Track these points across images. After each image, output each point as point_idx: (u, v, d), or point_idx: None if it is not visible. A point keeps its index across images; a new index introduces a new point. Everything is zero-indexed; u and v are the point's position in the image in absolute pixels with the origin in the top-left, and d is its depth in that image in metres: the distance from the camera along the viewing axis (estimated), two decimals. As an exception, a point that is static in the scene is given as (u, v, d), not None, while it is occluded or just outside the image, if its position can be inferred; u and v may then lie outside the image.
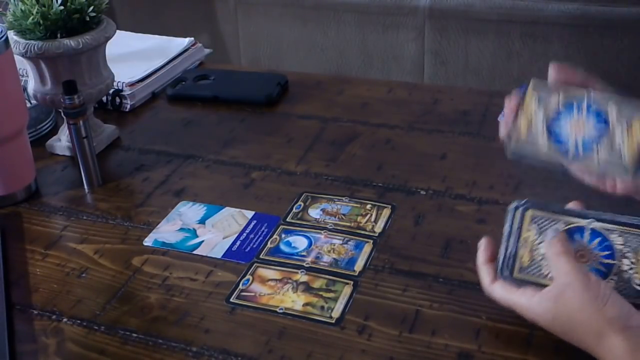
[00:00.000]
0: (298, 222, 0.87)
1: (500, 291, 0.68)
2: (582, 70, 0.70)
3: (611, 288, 0.62)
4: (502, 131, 0.72)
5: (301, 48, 2.07)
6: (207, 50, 1.35)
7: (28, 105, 1.04)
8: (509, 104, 0.72)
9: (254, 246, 0.84)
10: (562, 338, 0.64)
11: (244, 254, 0.83)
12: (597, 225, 0.67)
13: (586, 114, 0.67)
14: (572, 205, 0.71)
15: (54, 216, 0.92)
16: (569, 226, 0.67)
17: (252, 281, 0.78)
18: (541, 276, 0.67)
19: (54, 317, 0.76)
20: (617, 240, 0.66)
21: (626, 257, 0.65)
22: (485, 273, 0.69)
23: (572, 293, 0.62)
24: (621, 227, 0.66)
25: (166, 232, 0.87)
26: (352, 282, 0.77)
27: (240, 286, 0.78)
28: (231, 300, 0.76)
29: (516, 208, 0.70)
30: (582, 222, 0.67)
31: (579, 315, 0.61)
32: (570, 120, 0.68)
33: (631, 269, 0.65)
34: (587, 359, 0.66)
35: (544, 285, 0.65)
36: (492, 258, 0.69)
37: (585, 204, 0.72)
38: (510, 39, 1.82)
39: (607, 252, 0.66)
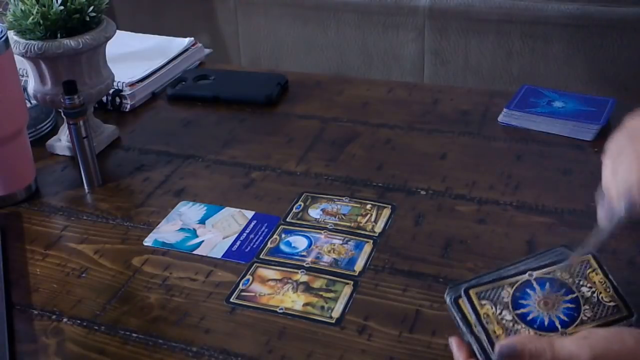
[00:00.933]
0: (298, 222, 0.87)
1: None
2: None
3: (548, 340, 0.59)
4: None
5: (301, 48, 2.07)
6: (207, 50, 1.35)
7: (28, 105, 1.04)
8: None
9: (254, 246, 0.84)
10: None
11: (244, 254, 0.83)
12: (538, 273, 0.66)
13: (542, 292, 0.65)
14: None
15: (54, 216, 0.92)
16: (516, 286, 0.65)
17: (252, 281, 0.78)
18: None
19: (54, 317, 0.76)
20: (564, 276, 0.66)
21: (582, 286, 0.66)
22: None
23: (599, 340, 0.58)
24: (558, 266, 0.66)
25: (166, 232, 0.87)
26: (352, 282, 0.77)
27: (240, 286, 0.78)
28: (231, 300, 0.76)
29: (455, 298, 0.66)
30: (524, 277, 0.66)
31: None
32: (535, 302, 0.65)
33: (593, 292, 0.65)
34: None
35: None
36: (470, 354, 0.64)
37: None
38: (510, 39, 1.82)
39: (563, 290, 0.65)
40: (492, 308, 0.65)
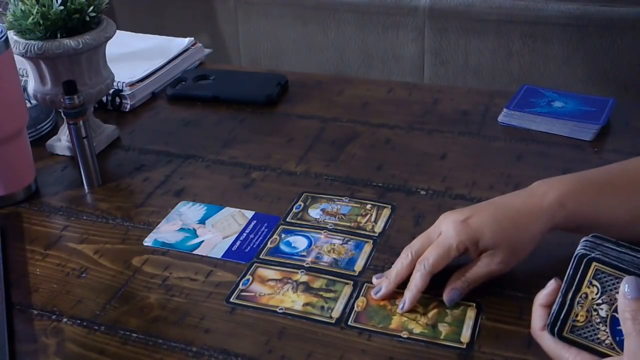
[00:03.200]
0: (298, 222, 0.87)
1: (549, 342, 0.61)
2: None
3: None
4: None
5: (301, 48, 2.07)
6: (207, 50, 1.35)
7: (28, 105, 1.04)
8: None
9: (254, 246, 0.84)
10: None
11: (244, 254, 0.83)
12: None
13: None
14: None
15: (54, 216, 0.92)
16: (627, 278, 0.56)
17: (252, 281, 0.78)
18: (595, 341, 0.58)
19: (54, 317, 0.76)
20: None
21: None
22: (538, 316, 0.62)
23: None
24: None
25: (166, 232, 0.87)
26: (352, 282, 0.77)
27: (240, 286, 0.78)
28: (231, 300, 0.76)
29: (582, 256, 0.58)
30: None
31: None
32: None
33: None
34: None
35: (598, 352, 0.58)
36: (548, 303, 0.61)
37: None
38: (510, 39, 1.82)
39: None
40: (596, 293, 0.57)
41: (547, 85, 1.19)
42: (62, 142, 1.05)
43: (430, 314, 0.72)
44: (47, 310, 0.77)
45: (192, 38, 1.32)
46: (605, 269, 0.57)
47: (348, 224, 0.86)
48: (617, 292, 0.56)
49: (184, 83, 1.22)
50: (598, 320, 0.58)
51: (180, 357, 0.70)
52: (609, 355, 0.57)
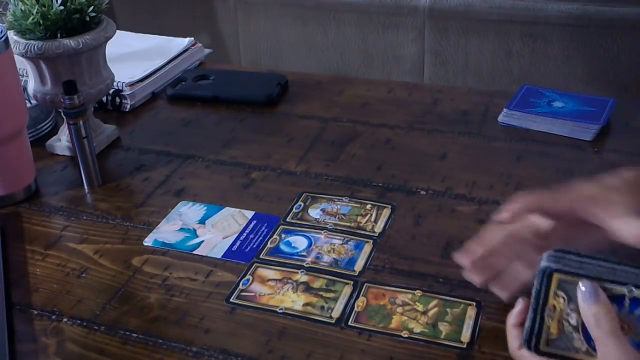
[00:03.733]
0: (298, 222, 0.87)
1: (530, 358, 0.60)
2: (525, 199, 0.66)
3: None
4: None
5: (301, 48, 2.07)
6: (207, 50, 1.35)
7: (28, 105, 1.04)
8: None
9: (254, 246, 0.84)
10: None
11: (244, 254, 0.83)
12: (638, 293, 0.56)
13: (630, 314, 0.56)
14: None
15: (54, 216, 0.92)
16: (606, 292, 0.57)
17: (252, 281, 0.78)
18: (573, 350, 0.58)
19: (54, 317, 0.76)
20: None
21: None
22: (513, 337, 0.62)
23: None
24: None
25: (166, 232, 0.87)
26: (352, 282, 0.77)
27: (240, 286, 0.78)
28: (231, 300, 0.76)
29: (544, 269, 0.58)
30: (621, 290, 0.56)
31: None
32: None
33: None
34: None
35: None
36: (520, 323, 0.61)
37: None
38: (510, 39, 1.82)
39: None
40: (563, 303, 0.58)
41: (547, 85, 1.19)
42: (62, 142, 1.05)
43: (430, 313, 0.72)
44: (47, 310, 0.77)
45: (192, 38, 1.32)
46: (567, 279, 0.58)
47: (348, 224, 0.86)
48: None
49: (184, 83, 1.22)
50: (570, 329, 0.58)
51: (180, 357, 0.70)
52: None
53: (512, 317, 0.62)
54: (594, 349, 0.57)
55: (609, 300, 0.56)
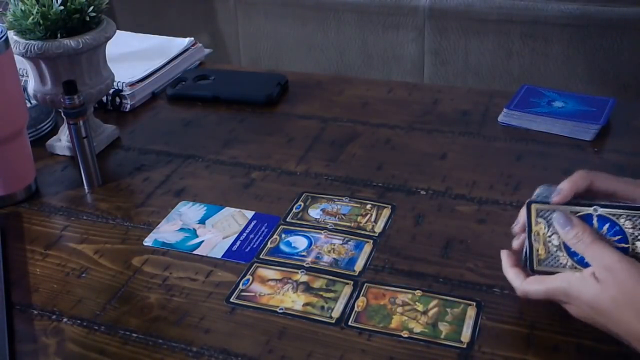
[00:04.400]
0: (298, 222, 0.87)
1: (535, 284, 0.67)
2: (582, 172, 0.69)
3: None
4: (515, 248, 0.72)
5: (301, 48, 2.07)
6: (207, 50, 1.35)
7: (28, 105, 1.04)
8: (518, 226, 0.72)
9: (254, 246, 0.84)
10: (596, 322, 0.63)
11: (244, 254, 0.83)
12: (603, 211, 0.66)
13: (598, 230, 0.66)
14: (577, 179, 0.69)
15: (54, 216, 0.92)
16: (576, 215, 0.67)
17: (252, 281, 0.78)
18: (560, 266, 0.67)
19: (54, 317, 0.76)
20: (626, 224, 0.65)
21: (639, 240, 0.65)
22: (514, 275, 0.69)
23: (616, 273, 0.61)
24: (627, 211, 0.66)
25: (166, 232, 0.87)
26: (352, 282, 0.77)
27: (240, 286, 0.78)
28: (231, 300, 0.76)
29: (527, 204, 0.69)
30: (588, 210, 0.67)
31: (624, 295, 0.60)
32: None
33: None
34: (587, 359, 0.66)
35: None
36: (516, 263, 0.70)
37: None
38: (510, 39, 1.82)
39: (618, 237, 0.65)
40: (544, 228, 0.68)
41: (547, 85, 1.19)
42: (62, 142, 1.05)
43: (430, 313, 0.72)
44: (47, 310, 0.77)
45: (192, 38, 1.32)
46: (543, 207, 0.68)
47: (348, 224, 0.86)
48: None
49: (184, 83, 1.22)
50: (555, 249, 0.67)
51: (180, 357, 0.70)
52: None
53: (505, 262, 0.71)
54: (578, 263, 0.66)
55: (580, 219, 0.66)
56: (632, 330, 0.61)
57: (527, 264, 0.68)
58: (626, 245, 0.65)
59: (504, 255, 0.72)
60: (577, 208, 0.67)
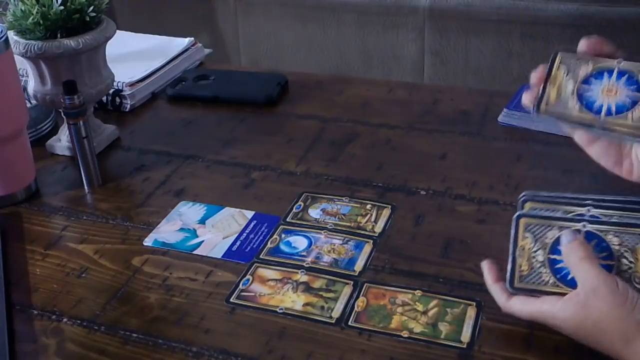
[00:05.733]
0: (298, 222, 0.87)
1: (519, 305, 0.67)
2: (611, 42, 0.70)
3: (636, 291, 0.61)
4: (527, 98, 0.71)
5: (301, 48, 2.07)
6: (207, 50, 1.35)
7: (28, 105, 1.04)
8: (536, 74, 0.72)
9: (254, 246, 0.84)
10: (585, 343, 0.63)
11: (244, 254, 0.83)
12: (591, 227, 0.66)
13: (617, 81, 0.67)
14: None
15: (54, 216, 0.92)
16: (563, 231, 0.67)
17: (252, 281, 0.78)
18: (542, 284, 0.67)
19: (54, 317, 0.76)
20: (613, 240, 0.66)
21: (624, 257, 0.65)
22: (497, 293, 0.69)
23: (599, 298, 0.61)
24: (616, 228, 0.66)
25: (166, 232, 0.87)
26: (352, 282, 0.77)
27: (240, 286, 0.78)
28: (231, 300, 0.76)
29: (516, 218, 0.69)
30: (576, 226, 0.67)
31: (607, 321, 0.61)
32: (601, 87, 0.67)
33: (630, 268, 0.65)
34: (587, 359, 0.66)
35: (547, 293, 0.66)
36: (499, 277, 0.69)
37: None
38: (510, 39, 1.82)
39: (605, 253, 0.65)
40: (531, 243, 0.67)
41: (547, 85, 1.18)
42: (62, 142, 1.05)
43: (430, 313, 0.72)
44: (47, 310, 0.77)
45: (192, 38, 1.32)
46: (531, 221, 0.68)
47: (348, 224, 0.86)
48: (547, 238, 0.67)
49: (184, 83, 1.22)
50: (538, 265, 0.67)
51: (180, 357, 0.70)
52: (556, 294, 0.65)
53: (488, 278, 0.70)
54: (561, 281, 0.65)
55: (584, 237, 0.65)
56: (617, 354, 0.61)
57: (508, 281, 0.67)
58: (611, 262, 0.65)
59: (486, 269, 0.71)
60: (567, 223, 0.67)
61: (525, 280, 0.67)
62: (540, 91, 0.68)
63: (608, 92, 0.66)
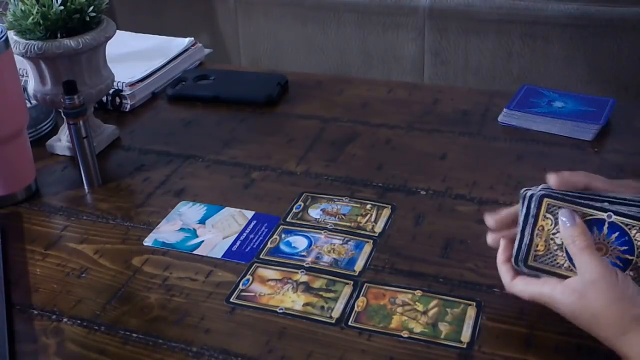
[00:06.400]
0: (298, 222, 0.87)
1: (521, 286, 0.68)
2: (582, 173, 0.69)
3: (636, 285, 0.62)
4: (501, 246, 0.71)
5: (301, 48, 2.07)
6: (207, 50, 1.35)
7: (28, 105, 1.04)
8: (497, 218, 0.71)
9: (254, 246, 0.84)
10: (582, 328, 0.64)
11: (244, 254, 0.83)
12: (616, 219, 0.65)
13: (607, 238, 0.65)
14: (593, 182, 0.69)
15: (54, 216, 0.92)
16: (587, 218, 0.65)
17: (252, 281, 0.78)
18: (556, 266, 0.67)
19: (54, 317, 0.76)
20: (636, 236, 0.65)
21: None
22: (505, 271, 0.70)
23: (598, 291, 0.62)
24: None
25: (166, 232, 0.87)
26: (352, 282, 0.77)
27: (240, 286, 0.78)
28: (231, 300, 0.76)
29: (532, 196, 0.67)
30: (602, 215, 0.65)
31: (604, 314, 0.62)
32: (593, 237, 0.65)
33: None
34: (587, 359, 0.66)
35: (560, 275, 0.66)
36: (509, 258, 0.70)
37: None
38: (510, 39, 1.82)
39: (625, 247, 0.65)
40: (551, 224, 0.66)
41: (547, 85, 1.18)
42: (62, 142, 1.05)
43: (430, 313, 0.72)
44: (47, 310, 0.77)
45: (192, 38, 1.32)
46: (555, 203, 0.67)
47: (348, 224, 0.86)
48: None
49: (184, 83, 1.22)
50: (555, 247, 0.67)
51: (180, 357, 0.70)
52: (568, 277, 0.65)
53: (500, 255, 0.70)
54: (575, 266, 0.65)
55: (584, 223, 0.65)
56: (612, 345, 0.62)
57: (518, 259, 0.68)
58: (631, 257, 0.65)
59: (502, 246, 0.71)
60: (591, 211, 0.66)
61: (539, 259, 0.67)
62: (519, 241, 0.68)
63: (598, 250, 0.64)
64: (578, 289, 0.63)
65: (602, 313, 0.62)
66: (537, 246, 0.67)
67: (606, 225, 0.65)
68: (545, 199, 0.67)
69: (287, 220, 0.88)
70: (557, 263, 0.67)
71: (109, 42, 0.99)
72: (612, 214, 0.65)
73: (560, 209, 0.66)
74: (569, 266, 0.66)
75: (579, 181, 0.68)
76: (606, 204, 0.65)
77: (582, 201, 0.66)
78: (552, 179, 0.68)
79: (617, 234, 0.65)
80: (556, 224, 0.66)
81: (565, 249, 0.66)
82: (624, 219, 0.65)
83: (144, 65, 1.22)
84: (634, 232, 0.65)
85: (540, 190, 0.68)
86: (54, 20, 0.94)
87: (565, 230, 0.65)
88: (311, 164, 0.99)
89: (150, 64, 1.23)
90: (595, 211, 0.65)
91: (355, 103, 1.16)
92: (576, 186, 0.67)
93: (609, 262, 0.64)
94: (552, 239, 0.67)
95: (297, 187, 0.94)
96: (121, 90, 1.16)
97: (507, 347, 0.68)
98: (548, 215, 0.67)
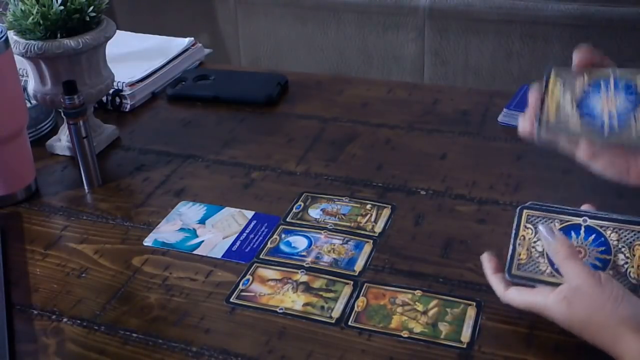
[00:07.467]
0: (298, 222, 0.87)
1: (514, 295, 0.68)
2: (598, 51, 0.70)
3: (623, 287, 0.63)
4: (523, 124, 0.70)
5: (301, 48, 2.07)
6: (207, 50, 1.35)
7: (28, 105, 1.04)
8: (532, 96, 0.71)
9: (254, 246, 0.84)
10: (578, 336, 0.65)
11: (244, 254, 0.83)
12: (591, 222, 0.69)
13: (615, 90, 0.67)
14: (585, 208, 0.73)
15: (54, 216, 0.92)
16: (564, 224, 0.70)
17: (252, 281, 0.78)
18: (539, 272, 0.69)
19: (54, 317, 0.76)
20: (611, 236, 0.68)
21: (621, 252, 0.67)
22: (496, 283, 0.70)
23: (583, 296, 0.63)
24: (615, 224, 0.68)
25: (166, 232, 0.87)
26: (352, 282, 0.77)
27: (240, 286, 0.78)
28: (231, 300, 0.76)
29: (520, 209, 0.72)
30: (577, 220, 0.70)
31: (593, 319, 0.62)
32: (600, 98, 0.67)
33: (626, 263, 0.67)
34: (587, 359, 0.66)
35: (544, 282, 0.67)
36: (498, 268, 0.71)
37: (594, 205, 0.73)
38: (510, 39, 1.82)
39: (602, 248, 0.68)
40: (531, 233, 0.70)
41: (547, 85, 1.18)
42: (62, 142, 1.05)
43: (430, 313, 0.72)
44: (47, 310, 0.77)
45: (192, 38, 1.32)
46: (534, 213, 0.71)
47: (348, 224, 0.86)
48: None
49: (184, 83, 1.22)
50: (537, 255, 0.69)
51: (180, 357, 0.70)
52: (551, 283, 0.67)
53: (487, 268, 0.72)
54: (557, 271, 0.67)
55: (563, 233, 0.68)
56: (608, 352, 0.62)
57: (507, 269, 0.69)
58: (609, 257, 0.67)
59: (485, 260, 0.72)
60: (568, 217, 0.70)
61: (522, 268, 0.69)
62: (539, 110, 0.69)
63: (608, 103, 0.66)
64: (568, 296, 0.64)
65: (589, 319, 0.62)
66: (519, 255, 0.70)
67: (582, 229, 0.69)
68: (525, 211, 0.72)
69: (287, 220, 0.88)
70: (540, 270, 0.69)
71: (109, 42, 0.99)
72: (587, 218, 0.69)
73: (539, 225, 0.69)
74: (551, 272, 0.68)
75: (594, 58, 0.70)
76: (586, 217, 0.70)
77: (558, 209, 0.71)
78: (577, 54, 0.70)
79: (593, 236, 0.68)
80: (536, 232, 0.70)
81: (547, 255, 0.68)
82: (598, 221, 0.69)
83: (144, 65, 1.22)
84: (608, 232, 0.68)
85: (524, 205, 0.73)
86: (54, 20, 0.94)
87: (548, 243, 0.68)
88: (311, 164, 0.99)
89: (150, 64, 1.23)
90: (571, 217, 0.70)
91: (355, 103, 1.16)
92: (592, 61, 0.70)
93: (590, 267, 0.65)
94: (533, 247, 0.70)
95: (297, 187, 0.94)
96: (121, 90, 1.16)
97: (507, 347, 0.68)
98: (528, 225, 0.71)
